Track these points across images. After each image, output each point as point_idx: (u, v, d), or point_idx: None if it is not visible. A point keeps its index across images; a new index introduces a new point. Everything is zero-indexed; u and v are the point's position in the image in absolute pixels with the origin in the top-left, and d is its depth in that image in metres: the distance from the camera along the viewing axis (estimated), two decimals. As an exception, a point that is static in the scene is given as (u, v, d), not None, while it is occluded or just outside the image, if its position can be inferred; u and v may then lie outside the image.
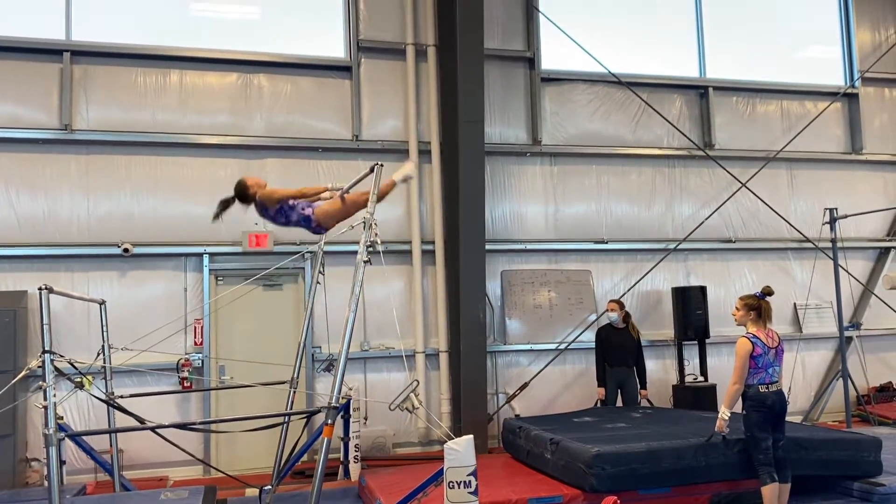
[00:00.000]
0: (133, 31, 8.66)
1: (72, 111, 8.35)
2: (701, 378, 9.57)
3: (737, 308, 6.06)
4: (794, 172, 10.96)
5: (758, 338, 5.83)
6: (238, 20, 9.14)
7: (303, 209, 5.86)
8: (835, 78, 11.41)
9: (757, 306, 5.94)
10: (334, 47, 9.35)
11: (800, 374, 10.31)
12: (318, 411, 5.34)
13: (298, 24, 9.31)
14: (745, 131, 10.80)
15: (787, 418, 6.13)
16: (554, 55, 9.95)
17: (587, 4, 10.38)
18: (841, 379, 9.70)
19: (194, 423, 6.06)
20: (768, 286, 6.09)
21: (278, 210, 5.85)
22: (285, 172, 8.95)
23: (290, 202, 5.84)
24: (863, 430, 8.07)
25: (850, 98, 11.31)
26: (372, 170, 5.33)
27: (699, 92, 10.68)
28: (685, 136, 10.32)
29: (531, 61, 9.91)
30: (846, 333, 10.18)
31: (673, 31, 10.74)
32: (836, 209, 9.92)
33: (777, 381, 5.84)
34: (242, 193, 5.90)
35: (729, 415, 5.87)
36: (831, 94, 11.15)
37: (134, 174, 8.56)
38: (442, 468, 4.66)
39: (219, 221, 6.09)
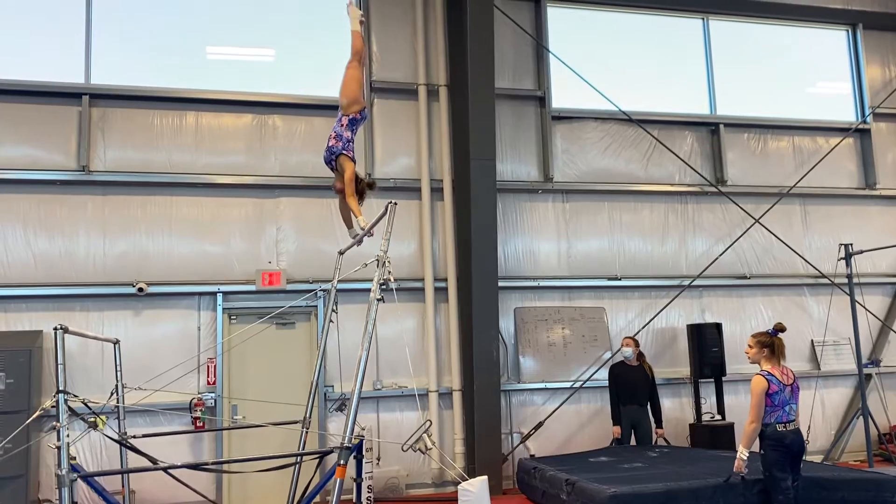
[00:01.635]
0: (150, 74, 8.83)
1: (89, 153, 8.48)
2: (718, 416, 9.42)
3: (749, 346, 6.00)
4: (807, 208, 10.92)
5: (773, 375, 5.76)
6: (253, 62, 9.31)
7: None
8: (846, 114, 11.43)
9: (770, 343, 5.87)
10: (348, 88, 9.47)
11: (819, 413, 10.15)
12: (331, 451, 5.31)
13: (312, 66, 9.46)
14: (757, 167, 10.80)
15: (808, 458, 6.04)
16: (564, 93, 10.04)
17: (596, 43, 10.50)
18: (861, 417, 9.53)
19: (206, 464, 6.03)
20: (780, 323, 6.03)
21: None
22: (299, 211, 9.03)
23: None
24: (885, 470, 7.90)
25: (861, 133, 11.31)
26: (386, 209, 5.37)
27: (710, 128, 10.72)
28: (697, 172, 10.33)
29: (542, 100, 10.00)
30: (865, 370, 10.03)
31: (683, 69, 10.83)
32: (851, 245, 9.85)
33: (794, 420, 5.74)
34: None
35: (747, 454, 5.78)
36: (843, 130, 11.15)
37: (150, 214, 8.65)
38: (456, 510, 4.59)
39: None
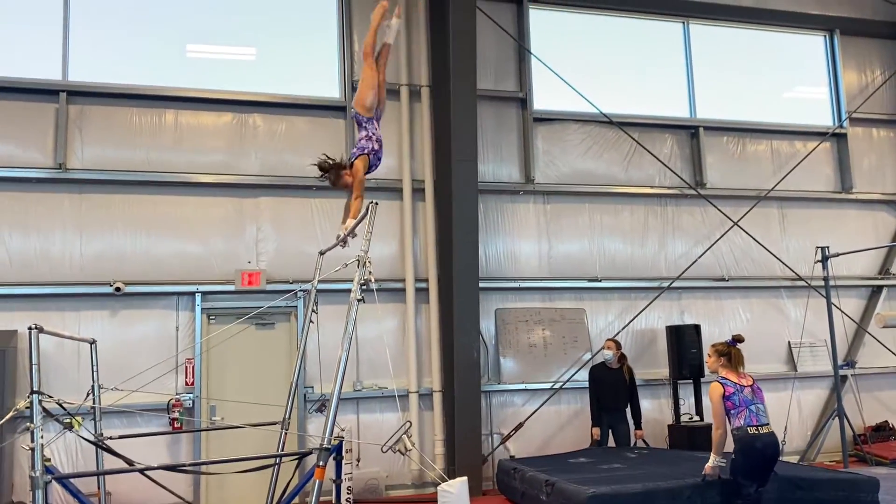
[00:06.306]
0: (129, 71, 8.73)
1: (67, 150, 8.37)
2: (696, 417, 9.48)
3: (709, 355, 6.13)
4: (784, 211, 11.04)
5: (727, 379, 5.86)
6: (234, 61, 9.24)
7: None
8: (823, 118, 11.57)
9: (727, 352, 5.98)
10: (329, 87, 9.45)
11: (795, 414, 10.25)
12: (310, 453, 5.29)
13: (293, 65, 9.42)
14: (735, 171, 10.89)
15: (784, 458, 6.07)
16: (546, 95, 10.07)
17: (578, 46, 10.54)
18: (837, 418, 9.65)
19: (184, 465, 5.98)
20: (739, 334, 6.18)
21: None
22: (279, 211, 8.98)
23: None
24: (860, 470, 8.00)
25: (838, 138, 11.45)
26: (367, 209, 5.36)
27: (690, 132, 10.81)
28: (677, 175, 10.41)
29: (523, 101, 10.02)
30: (841, 372, 10.16)
31: (664, 72, 10.90)
32: (828, 247, 9.96)
33: (767, 424, 5.75)
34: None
35: (716, 461, 5.87)
36: (820, 134, 11.28)
37: (128, 213, 8.56)
38: (435, 511, 4.59)
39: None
